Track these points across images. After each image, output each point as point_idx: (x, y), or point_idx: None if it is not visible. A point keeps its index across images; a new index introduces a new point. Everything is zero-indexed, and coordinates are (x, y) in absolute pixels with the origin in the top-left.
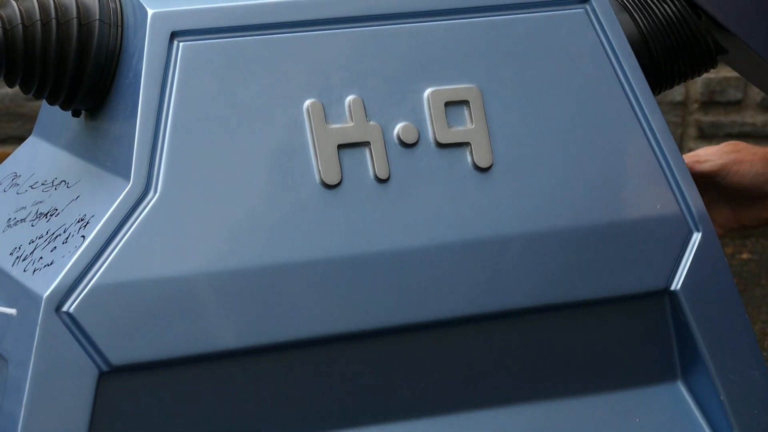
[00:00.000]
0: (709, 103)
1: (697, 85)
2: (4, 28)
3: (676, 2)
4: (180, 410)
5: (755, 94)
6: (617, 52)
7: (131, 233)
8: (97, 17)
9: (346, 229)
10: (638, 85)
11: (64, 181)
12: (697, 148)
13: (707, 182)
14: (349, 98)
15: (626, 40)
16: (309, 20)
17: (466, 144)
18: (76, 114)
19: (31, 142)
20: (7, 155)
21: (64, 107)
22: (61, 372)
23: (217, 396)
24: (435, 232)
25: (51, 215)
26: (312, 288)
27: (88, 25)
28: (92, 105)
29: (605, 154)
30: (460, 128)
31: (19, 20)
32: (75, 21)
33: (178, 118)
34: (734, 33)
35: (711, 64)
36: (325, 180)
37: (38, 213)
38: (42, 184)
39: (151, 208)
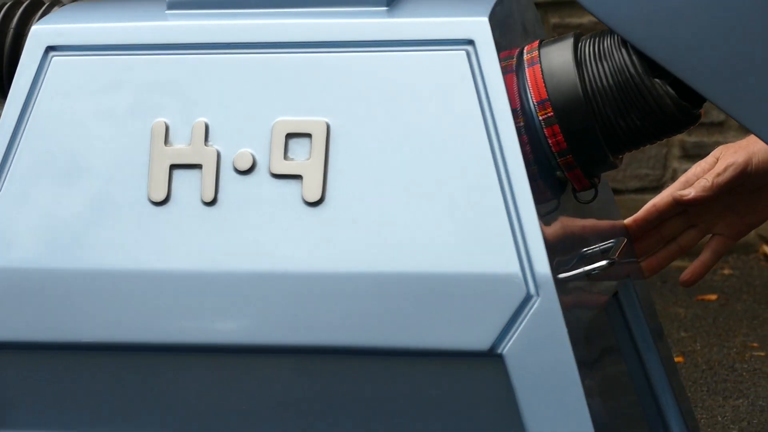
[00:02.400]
0: None
1: None
2: None
3: (634, 61)
4: None
5: None
6: (491, 100)
7: None
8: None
9: (162, 245)
10: (506, 137)
11: None
12: (681, 167)
13: (728, 190)
14: (195, 121)
15: (504, 89)
16: (173, 44)
17: (299, 177)
18: None
19: None
20: None
21: None
22: None
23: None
24: (252, 259)
25: None
26: (113, 296)
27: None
28: None
29: (451, 203)
30: (298, 160)
31: None
32: None
33: (36, 124)
34: (705, 95)
35: (681, 125)
36: (151, 197)
37: None
38: None
39: None
